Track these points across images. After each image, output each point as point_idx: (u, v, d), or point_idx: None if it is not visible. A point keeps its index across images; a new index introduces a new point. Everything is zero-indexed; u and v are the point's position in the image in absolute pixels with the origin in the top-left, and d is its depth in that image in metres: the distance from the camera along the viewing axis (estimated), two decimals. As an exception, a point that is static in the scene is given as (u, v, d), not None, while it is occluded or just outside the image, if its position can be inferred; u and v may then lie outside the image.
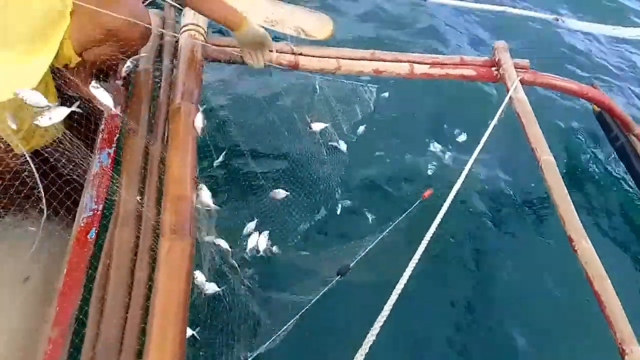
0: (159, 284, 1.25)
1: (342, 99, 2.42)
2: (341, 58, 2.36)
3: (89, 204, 1.54)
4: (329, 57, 2.34)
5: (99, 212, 1.52)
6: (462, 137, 2.99)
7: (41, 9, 1.43)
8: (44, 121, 1.37)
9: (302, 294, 1.69)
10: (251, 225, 1.97)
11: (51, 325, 1.25)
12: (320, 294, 1.62)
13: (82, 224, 1.48)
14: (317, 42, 2.45)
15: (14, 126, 1.33)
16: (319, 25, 2.38)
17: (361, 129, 2.59)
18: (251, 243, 1.88)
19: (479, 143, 1.85)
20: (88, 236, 1.45)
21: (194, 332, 1.44)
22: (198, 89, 1.85)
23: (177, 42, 2.02)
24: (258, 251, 1.88)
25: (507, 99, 2.19)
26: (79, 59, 1.55)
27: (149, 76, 1.89)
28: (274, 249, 1.95)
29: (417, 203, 2.17)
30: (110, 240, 1.41)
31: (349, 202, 2.47)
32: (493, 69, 2.49)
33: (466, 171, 1.59)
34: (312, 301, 1.60)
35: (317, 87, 2.34)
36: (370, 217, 2.45)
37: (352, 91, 2.41)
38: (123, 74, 1.87)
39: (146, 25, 1.60)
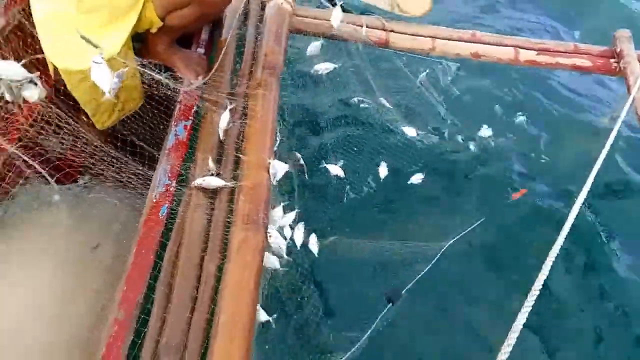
0: (229, 278, 1.17)
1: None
2: (436, 38, 2.16)
3: (162, 178, 1.48)
4: (423, 36, 2.15)
5: (172, 189, 1.46)
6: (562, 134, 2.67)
7: None
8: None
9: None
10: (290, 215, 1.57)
11: (117, 305, 1.21)
12: (369, 331, 1.49)
13: (154, 200, 1.43)
14: (411, 19, 2.24)
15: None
16: (415, 0, 2.18)
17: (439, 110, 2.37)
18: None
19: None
20: (159, 213, 1.40)
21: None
22: (281, 62, 1.73)
23: (263, 9, 1.90)
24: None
25: (630, 98, 1.89)
26: (161, 23, 1.48)
27: (231, 45, 1.79)
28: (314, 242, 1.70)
29: (506, 203, 1.96)
30: (181, 223, 1.35)
31: (418, 193, 2.25)
32: (612, 60, 2.18)
33: (591, 178, 1.35)
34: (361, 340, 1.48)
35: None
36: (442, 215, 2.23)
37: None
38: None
39: None
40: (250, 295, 1.16)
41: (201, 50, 1.88)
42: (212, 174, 1.38)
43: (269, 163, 1.43)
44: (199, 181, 1.36)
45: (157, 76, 1.39)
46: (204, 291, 1.18)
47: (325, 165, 2.02)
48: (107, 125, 1.74)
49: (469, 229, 1.93)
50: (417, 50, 2.12)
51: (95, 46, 1.17)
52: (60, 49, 1.41)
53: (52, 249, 1.48)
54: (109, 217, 1.67)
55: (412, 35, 2.12)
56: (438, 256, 1.82)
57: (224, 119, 1.46)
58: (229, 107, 1.48)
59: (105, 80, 1.15)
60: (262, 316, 1.27)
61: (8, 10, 1.58)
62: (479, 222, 1.96)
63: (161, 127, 1.72)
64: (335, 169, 2.01)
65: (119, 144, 1.68)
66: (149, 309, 1.22)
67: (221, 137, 1.48)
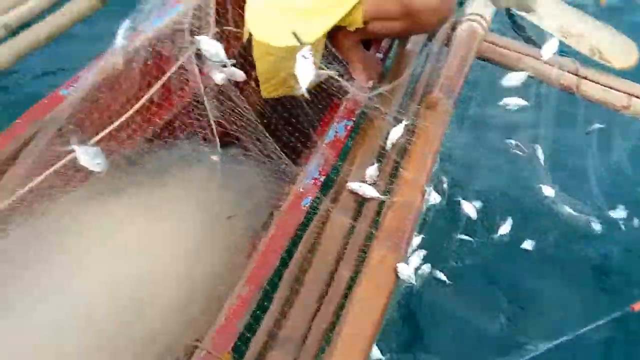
0: (359, 292, 1.11)
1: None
2: (633, 96, 1.91)
3: (313, 171, 1.48)
4: (618, 91, 1.91)
5: (319, 183, 1.45)
6: None
7: None
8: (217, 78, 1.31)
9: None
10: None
11: (245, 282, 1.21)
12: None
13: (300, 189, 1.42)
14: (610, 69, 2.01)
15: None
16: (620, 50, 1.95)
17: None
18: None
19: None
20: (302, 204, 1.39)
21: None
22: (460, 87, 1.64)
23: (453, 29, 1.82)
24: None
25: None
26: (362, 26, 1.47)
27: (412, 57, 1.74)
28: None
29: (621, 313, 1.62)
30: (322, 220, 1.32)
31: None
32: None
33: None
34: None
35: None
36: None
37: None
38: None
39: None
40: (377, 316, 1.08)
41: (379, 55, 1.87)
42: (369, 183, 1.33)
43: (425, 186, 1.35)
44: (354, 186, 1.32)
45: (330, 72, 1.37)
46: (332, 295, 1.13)
47: (460, 199, 1.91)
48: (271, 96, 1.79)
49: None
50: (609, 105, 1.90)
51: (302, 43, 1.18)
52: (263, 23, 1.46)
53: (198, 204, 1.55)
54: (247, 191, 1.73)
55: (607, 87, 1.90)
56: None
57: (396, 132, 1.41)
58: (404, 123, 1.41)
59: (306, 76, 1.15)
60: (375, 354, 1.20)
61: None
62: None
63: (317, 117, 1.73)
64: (469, 208, 1.88)
65: (273, 118, 1.71)
66: (271, 296, 1.21)
67: (387, 148, 1.43)
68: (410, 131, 1.49)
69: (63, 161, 1.26)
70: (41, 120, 1.45)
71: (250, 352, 1.10)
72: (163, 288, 1.29)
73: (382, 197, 1.31)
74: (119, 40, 1.29)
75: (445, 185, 1.75)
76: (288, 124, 1.76)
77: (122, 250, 1.36)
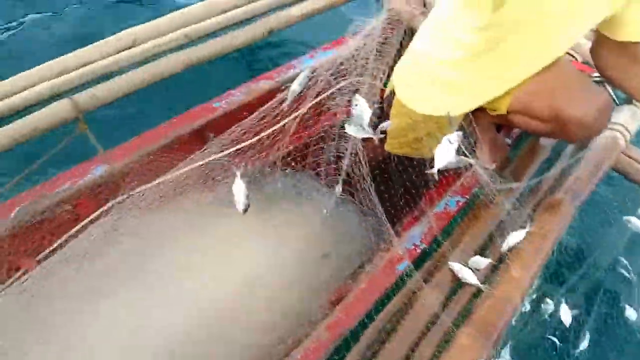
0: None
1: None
2: None
3: (415, 237, 1.50)
4: None
5: (418, 251, 1.47)
6: None
7: None
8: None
9: None
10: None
11: (326, 326, 1.25)
12: None
13: (399, 251, 1.45)
14: None
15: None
16: None
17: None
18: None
19: None
20: (397, 267, 1.41)
21: None
22: (588, 194, 1.58)
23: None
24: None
25: None
26: (504, 114, 1.46)
27: (542, 154, 1.71)
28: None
29: None
30: (413, 290, 1.33)
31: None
32: None
33: None
34: None
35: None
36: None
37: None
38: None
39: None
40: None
41: (508, 141, 1.85)
42: (471, 269, 1.32)
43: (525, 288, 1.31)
44: (455, 266, 1.32)
45: (470, 160, 1.35)
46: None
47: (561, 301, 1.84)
48: (394, 152, 1.84)
49: None
50: None
51: (450, 123, 1.22)
52: (410, 86, 1.52)
53: (300, 234, 1.64)
54: (346, 237, 1.79)
55: None
56: None
57: (515, 237, 1.37)
58: (526, 230, 1.38)
59: (444, 160, 1.18)
60: None
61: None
62: None
63: (427, 184, 1.74)
64: (565, 314, 1.78)
65: (387, 172, 1.76)
66: (348, 348, 1.24)
67: (502, 250, 1.39)
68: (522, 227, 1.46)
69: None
70: (191, 123, 1.64)
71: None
72: (256, 304, 1.38)
73: (482, 286, 1.29)
74: (295, 85, 1.42)
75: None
76: (399, 182, 1.80)
77: (228, 257, 1.48)
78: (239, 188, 1.24)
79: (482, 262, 1.33)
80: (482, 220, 1.51)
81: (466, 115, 1.49)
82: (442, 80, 1.44)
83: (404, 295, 1.34)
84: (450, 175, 1.73)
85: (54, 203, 1.31)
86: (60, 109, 1.42)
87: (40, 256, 1.13)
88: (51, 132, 1.42)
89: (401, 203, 1.74)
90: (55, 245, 1.12)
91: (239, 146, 1.74)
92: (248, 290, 1.40)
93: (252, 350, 1.29)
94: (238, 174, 1.27)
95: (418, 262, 1.44)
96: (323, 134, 2.13)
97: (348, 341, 1.25)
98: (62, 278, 1.16)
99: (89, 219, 1.21)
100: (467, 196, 1.63)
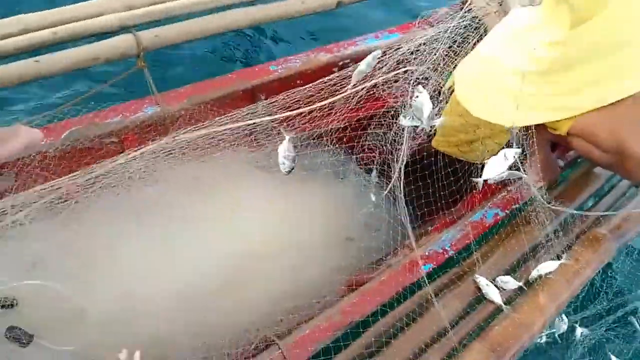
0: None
1: None
2: None
3: (445, 242, 1.47)
4: None
5: (445, 256, 1.44)
6: None
7: None
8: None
9: None
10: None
11: (339, 310, 1.26)
12: None
13: (426, 253, 1.43)
14: None
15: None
16: None
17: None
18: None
19: None
20: (422, 267, 1.40)
21: None
22: (633, 237, 1.52)
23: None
24: None
25: None
26: (563, 134, 1.40)
27: (595, 183, 1.65)
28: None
29: None
30: (433, 293, 1.31)
31: None
32: None
33: None
34: None
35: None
36: None
37: None
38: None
39: None
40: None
41: (560, 163, 1.79)
42: (497, 287, 1.29)
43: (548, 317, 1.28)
44: (482, 281, 1.30)
45: (522, 175, 1.31)
46: None
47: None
48: (438, 148, 1.80)
49: None
50: None
51: (513, 138, 1.18)
52: (471, 88, 1.48)
53: (329, 212, 1.64)
54: (373, 226, 1.77)
55: None
56: None
57: (547, 267, 1.33)
58: (562, 260, 1.34)
59: (495, 171, 1.15)
60: None
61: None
62: None
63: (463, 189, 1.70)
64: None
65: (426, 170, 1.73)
66: (356, 334, 1.24)
67: (532, 276, 1.35)
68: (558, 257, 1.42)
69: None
70: (247, 81, 1.64)
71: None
72: (278, 267, 1.40)
73: (504, 307, 1.26)
74: (363, 65, 1.38)
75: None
76: (440, 181, 1.77)
77: (258, 214, 1.50)
78: (287, 150, 1.24)
79: (511, 283, 1.30)
80: (517, 239, 1.46)
81: (526, 128, 1.44)
82: (509, 90, 1.38)
83: (422, 297, 1.33)
84: (494, 185, 1.69)
85: (103, 133, 1.34)
86: (123, 43, 1.43)
87: (83, 180, 1.16)
88: (109, 64, 1.43)
89: (439, 203, 1.71)
90: (98, 172, 1.15)
91: (289, 113, 1.74)
92: (272, 252, 1.41)
93: (263, 309, 1.31)
94: (287, 137, 1.26)
95: (444, 267, 1.42)
96: (373, 118, 2.11)
97: (358, 328, 1.25)
98: (102, 204, 1.20)
99: (133, 154, 1.23)
100: (506, 211, 1.59)
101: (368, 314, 1.27)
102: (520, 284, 1.31)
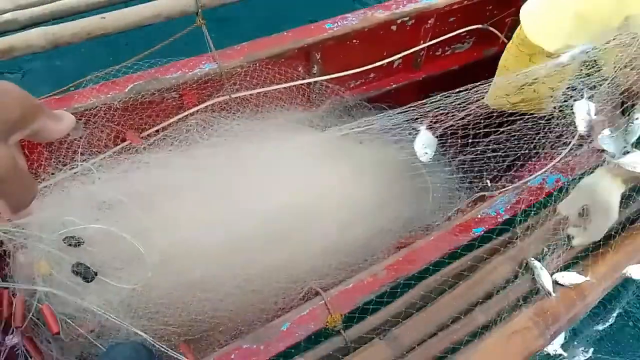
0: (484, 347, 1.09)
1: None
2: None
3: (499, 205, 1.42)
4: None
5: (500, 220, 1.40)
6: None
7: None
8: None
9: None
10: None
11: (385, 266, 1.27)
12: None
13: (478, 215, 1.40)
14: None
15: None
16: None
17: None
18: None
19: None
20: (473, 230, 1.37)
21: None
22: None
23: None
24: None
25: None
26: None
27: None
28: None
29: None
30: (482, 256, 1.28)
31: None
32: None
33: None
34: None
35: None
36: None
37: None
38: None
39: None
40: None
41: None
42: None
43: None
44: (537, 265, 1.22)
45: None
46: (455, 330, 1.12)
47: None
48: (494, 104, 1.73)
49: None
50: None
51: None
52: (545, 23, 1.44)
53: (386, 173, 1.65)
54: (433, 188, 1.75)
55: None
56: None
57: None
58: None
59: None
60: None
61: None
62: None
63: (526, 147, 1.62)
64: None
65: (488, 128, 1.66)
66: (400, 292, 1.25)
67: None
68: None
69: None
70: (302, 39, 1.64)
71: (358, 327, 1.17)
72: (329, 217, 1.44)
73: (553, 295, 1.18)
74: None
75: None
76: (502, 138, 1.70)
77: (319, 168, 1.54)
78: (426, 139, 1.29)
79: (571, 278, 1.21)
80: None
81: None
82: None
83: (472, 259, 1.30)
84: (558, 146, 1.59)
85: (163, 87, 1.40)
86: (183, 1, 1.48)
87: (146, 133, 1.23)
88: (170, 20, 1.49)
89: (499, 161, 1.64)
90: (160, 126, 1.22)
91: (343, 73, 1.73)
92: (324, 207, 1.45)
93: (312, 262, 1.35)
94: (423, 127, 1.33)
95: (496, 230, 1.38)
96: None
97: (402, 287, 1.26)
98: (165, 155, 1.27)
99: (192, 110, 1.29)
100: (569, 177, 1.50)
101: (414, 272, 1.27)
102: (584, 278, 1.22)
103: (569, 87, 1.36)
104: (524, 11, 1.54)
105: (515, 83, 1.62)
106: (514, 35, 1.61)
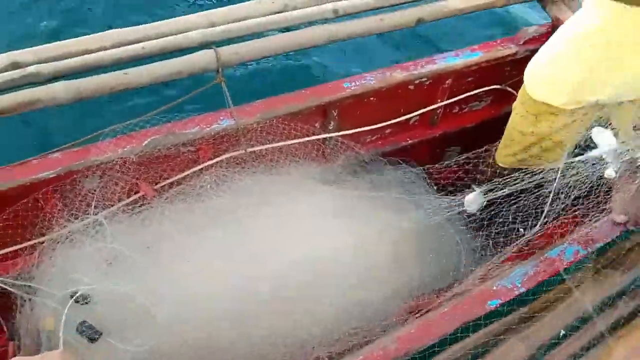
0: None
1: None
2: None
3: (515, 278, 1.42)
4: None
5: (516, 293, 1.40)
6: None
7: None
8: None
9: None
10: None
11: (396, 338, 1.27)
12: None
13: (493, 287, 1.40)
14: None
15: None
16: None
17: None
18: None
19: None
20: (488, 302, 1.37)
21: None
22: None
23: None
24: None
25: None
26: None
27: None
28: None
29: None
30: (497, 332, 1.29)
31: None
32: None
33: None
34: None
35: None
36: None
37: None
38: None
39: None
40: None
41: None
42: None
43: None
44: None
45: None
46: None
47: None
48: (503, 162, 1.78)
49: None
50: None
51: None
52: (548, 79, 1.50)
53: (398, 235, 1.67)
54: (446, 251, 1.77)
55: None
56: None
57: None
58: None
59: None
60: None
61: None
62: None
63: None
64: None
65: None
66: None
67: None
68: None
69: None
70: (320, 97, 1.71)
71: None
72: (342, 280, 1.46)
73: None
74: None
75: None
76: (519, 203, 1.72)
77: (327, 228, 1.57)
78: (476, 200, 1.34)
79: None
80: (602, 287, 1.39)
81: None
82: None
83: (487, 335, 1.30)
84: (577, 215, 1.61)
85: (180, 142, 1.47)
86: (204, 58, 1.54)
87: (159, 186, 1.28)
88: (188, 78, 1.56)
89: (517, 227, 1.66)
90: (174, 179, 1.26)
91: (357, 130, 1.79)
92: (336, 270, 1.46)
93: (322, 327, 1.35)
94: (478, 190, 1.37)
95: (511, 303, 1.38)
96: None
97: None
98: (176, 209, 1.31)
99: (207, 163, 1.34)
100: (589, 249, 1.51)
101: (426, 346, 1.27)
102: None
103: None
104: (528, 70, 1.61)
105: (522, 142, 1.68)
106: (519, 95, 1.68)
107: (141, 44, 1.50)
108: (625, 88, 1.43)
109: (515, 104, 1.72)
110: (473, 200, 1.55)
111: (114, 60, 1.45)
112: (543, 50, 1.58)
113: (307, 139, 1.72)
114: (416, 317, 1.37)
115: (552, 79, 1.54)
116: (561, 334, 1.25)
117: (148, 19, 1.55)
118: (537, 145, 1.69)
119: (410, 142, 2.11)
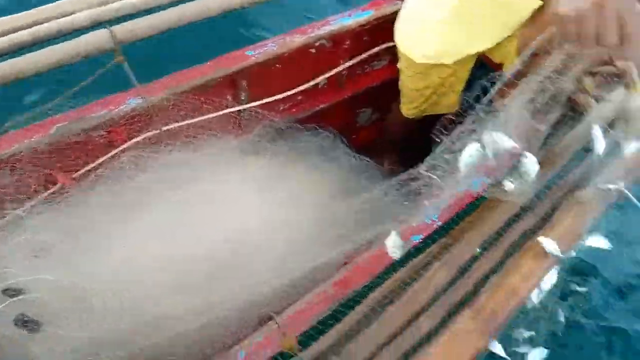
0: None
1: None
2: None
3: (432, 213, 1.58)
4: None
5: (434, 227, 1.56)
6: None
7: None
8: None
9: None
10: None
11: (333, 283, 1.38)
12: None
13: (413, 224, 1.54)
14: None
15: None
16: None
17: None
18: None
19: None
20: (411, 237, 1.51)
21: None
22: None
23: None
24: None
25: None
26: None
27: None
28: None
29: None
30: (422, 264, 1.44)
31: None
32: None
33: None
34: None
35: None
36: None
37: None
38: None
39: None
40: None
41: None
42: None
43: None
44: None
45: None
46: (404, 339, 1.25)
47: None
48: (410, 114, 1.95)
49: None
50: None
51: None
52: (418, 38, 1.62)
53: (319, 193, 1.76)
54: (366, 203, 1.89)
55: None
56: None
57: None
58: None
59: None
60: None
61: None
62: None
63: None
64: None
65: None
66: (349, 308, 1.36)
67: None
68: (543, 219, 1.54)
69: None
70: (225, 68, 1.74)
71: (313, 347, 1.27)
72: (273, 243, 1.52)
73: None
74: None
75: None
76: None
77: (250, 197, 1.61)
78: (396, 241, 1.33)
79: None
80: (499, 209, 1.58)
81: None
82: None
83: (412, 267, 1.45)
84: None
85: (89, 127, 1.44)
86: (99, 39, 1.52)
87: (77, 174, 1.26)
88: (91, 59, 1.53)
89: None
90: (92, 165, 1.25)
91: (267, 100, 1.85)
92: (267, 229, 1.52)
93: (263, 285, 1.42)
94: (394, 232, 1.34)
95: (432, 237, 1.54)
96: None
97: (351, 302, 1.37)
98: (97, 194, 1.30)
99: (122, 146, 1.33)
100: (492, 177, 1.69)
101: (361, 286, 1.39)
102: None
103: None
104: (397, 35, 1.73)
105: (420, 96, 1.85)
106: (400, 59, 1.83)
107: (27, 31, 1.44)
108: (495, 31, 1.53)
109: (399, 66, 1.84)
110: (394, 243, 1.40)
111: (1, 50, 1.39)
112: (407, 12, 1.68)
113: (220, 112, 1.75)
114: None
115: (422, 40, 1.64)
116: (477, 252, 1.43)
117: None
118: (434, 94, 1.84)
119: (322, 106, 2.21)
